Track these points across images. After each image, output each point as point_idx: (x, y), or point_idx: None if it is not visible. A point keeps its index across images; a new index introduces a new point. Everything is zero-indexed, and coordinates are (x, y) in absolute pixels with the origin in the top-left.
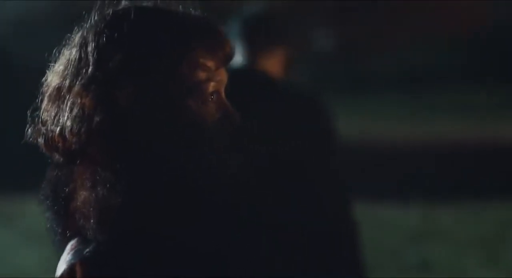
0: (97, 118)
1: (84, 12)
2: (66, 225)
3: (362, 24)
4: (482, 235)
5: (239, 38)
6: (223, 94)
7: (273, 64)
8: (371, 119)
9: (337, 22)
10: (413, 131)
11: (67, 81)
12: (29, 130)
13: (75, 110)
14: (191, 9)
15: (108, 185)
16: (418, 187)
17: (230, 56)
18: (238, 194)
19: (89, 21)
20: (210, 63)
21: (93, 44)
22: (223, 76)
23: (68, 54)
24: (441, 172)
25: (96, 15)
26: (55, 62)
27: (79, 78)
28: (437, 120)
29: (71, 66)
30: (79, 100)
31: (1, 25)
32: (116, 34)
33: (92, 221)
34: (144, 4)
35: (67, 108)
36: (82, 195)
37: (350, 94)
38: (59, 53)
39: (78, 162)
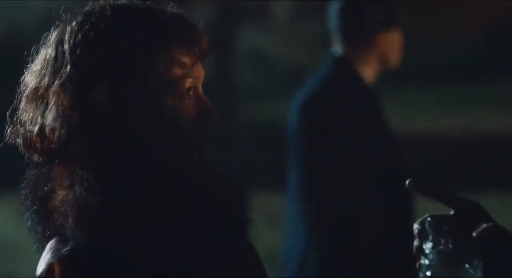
0: (75, 118)
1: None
2: (45, 224)
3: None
4: None
5: (336, 27)
6: (200, 90)
7: (370, 58)
8: (411, 112)
9: None
10: (453, 123)
11: (45, 81)
12: (8, 131)
13: (53, 110)
14: (168, 6)
15: (86, 184)
16: (459, 179)
17: (206, 52)
18: (220, 190)
19: (65, 20)
20: (187, 60)
21: (69, 43)
22: (200, 72)
23: (45, 53)
24: (479, 163)
25: (72, 14)
26: (32, 62)
27: (56, 77)
28: (475, 113)
29: (48, 66)
30: (57, 100)
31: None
32: (92, 33)
33: (70, 220)
34: (120, 2)
35: (45, 108)
36: (61, 194)
37: (390, 87)
38: (37, 52)
39: (56, 161)
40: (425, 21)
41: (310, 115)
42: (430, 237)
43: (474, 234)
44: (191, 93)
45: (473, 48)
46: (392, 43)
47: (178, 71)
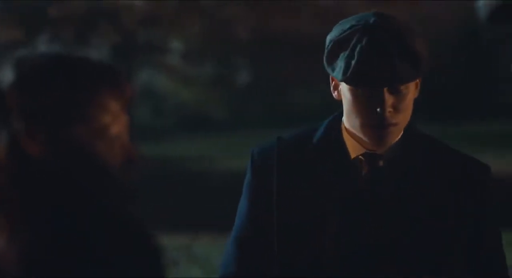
0: (9, 166)
1: None
2: None
3: (280, 56)
4: None
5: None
6: (126, 137)
7: None
8: None
9: (255, 53)
10: None
11: None
12: None
13: None
14: (91, 56)
15: (21, 231)
16: None
17: (131, 100)
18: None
19: None
20: (114, 106)
21: (2, 91)
22: (125, 118)
23: None
24: None
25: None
26: None
27: None
28: None
29: None
30: None
31: None
32: (23, 82)
33: (9, 266)
34: (51, 52)
35: None
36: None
37: (268, 128)
38: None
39: None
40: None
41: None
42: None
43: None
44: (118, 139)
45: None
46: None
47: (106, 117)
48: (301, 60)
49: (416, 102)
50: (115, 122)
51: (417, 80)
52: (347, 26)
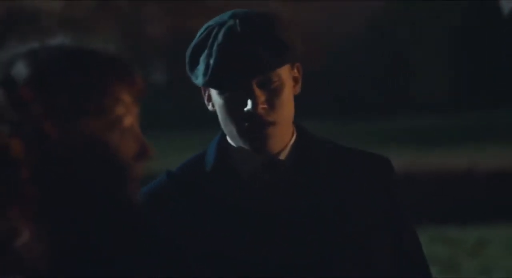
0: (27, 160)
1: None
2: (2, 265)
3: None
4: None
5: None
6: (138, 129)
7: None
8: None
9: (170, 53)
10: None
11: None
12: None
13: (4, 155)
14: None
15: (41, 224)
16: None
17: (144, 91)
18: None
19: (6, 61)
20: (127, 98)
21: (14, 86)
22: (137, 109)
23: None
24: None
25: (11, 55)
26: None
27: (4, 122)
28: None
29: None
30: (6, 144)
31: None
32: (37, 75)
33: (27, 260)
34: (63, 44)
35: None
36: (19, 234)
37: (182, 129)
38: None
39: (12, 203)
40: None
41: None
42: None
43: None
44: (131, 131)
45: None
46: None
47: (120, 109)
48: None
49: (326, 101)
50: (128, 114)
51: (295, 74)
52: (204, 28)
